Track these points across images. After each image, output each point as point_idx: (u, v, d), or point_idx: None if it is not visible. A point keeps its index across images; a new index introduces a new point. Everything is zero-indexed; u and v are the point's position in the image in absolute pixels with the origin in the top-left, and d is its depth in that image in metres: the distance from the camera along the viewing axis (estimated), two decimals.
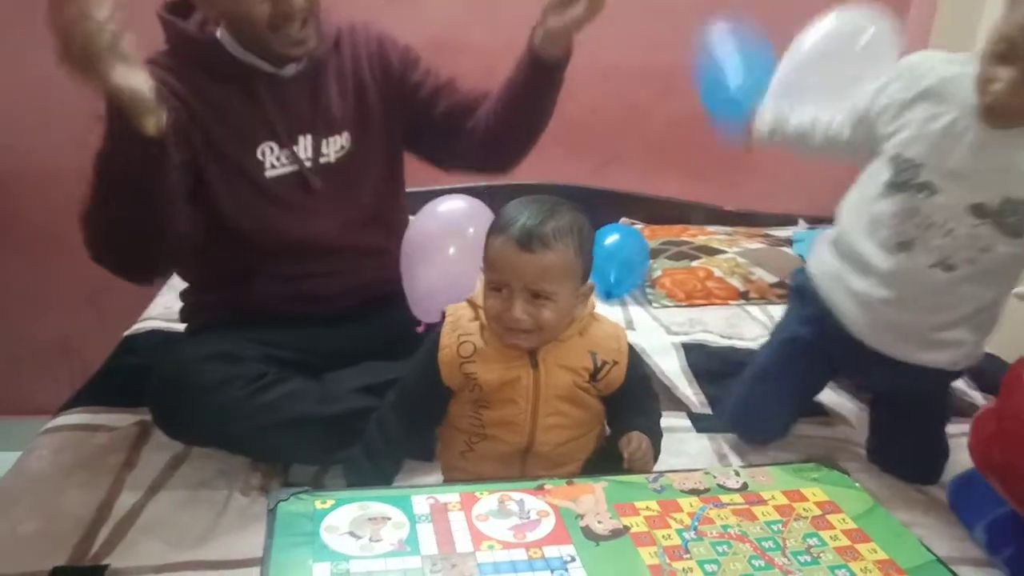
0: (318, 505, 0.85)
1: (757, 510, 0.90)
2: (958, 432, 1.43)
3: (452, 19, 2.15)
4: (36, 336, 2.14)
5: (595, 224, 1.11)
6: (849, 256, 1.24)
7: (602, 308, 1.10)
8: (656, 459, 1.07)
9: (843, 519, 0.89)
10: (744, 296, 1.98)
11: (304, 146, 1.28)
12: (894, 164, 1.16)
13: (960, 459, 1.24)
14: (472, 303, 1.06)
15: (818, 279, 1.30)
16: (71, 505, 1.14)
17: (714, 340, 1.77)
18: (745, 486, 0.94)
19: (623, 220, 2.26)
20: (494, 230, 0.99)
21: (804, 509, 0.91)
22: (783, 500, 0.92)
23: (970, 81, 1.05)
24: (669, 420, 1.42)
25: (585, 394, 1.06)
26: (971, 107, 1.07)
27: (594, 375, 1.04)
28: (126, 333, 1.66)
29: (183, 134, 1.15)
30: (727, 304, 1.97)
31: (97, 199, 1.06)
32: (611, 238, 1.97)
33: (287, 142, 1.26)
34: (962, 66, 1.09)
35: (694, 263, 2.04)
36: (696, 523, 0.87)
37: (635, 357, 1.09)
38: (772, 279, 1.99)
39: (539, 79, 1.32)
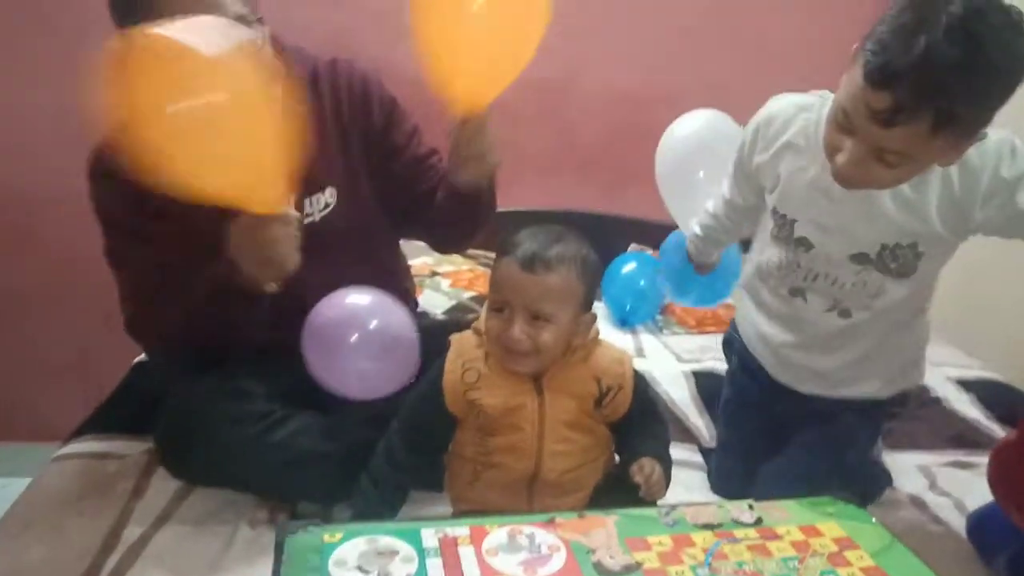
0: (326, 538, 0.84)
1: (772, 545, 0.88)
2: (976, 463, 1.42)
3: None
4: (52, 356, 2.15)
5: (606, 250, 1.13)
6: (755, 300, 1.24)
7: (613, 335, 1.10)
8: (668, 485, 1.05)
9: (860, 555, 0.87)
10: None
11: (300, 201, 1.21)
12: (773, 217, 1.14)
13: (980, 491, 1.22)
14: (476, 330, 1.07)
15: (738, 322, 1.32)
16: (79, 533, 1.14)
17: (725, 368, 1.75)
18: (759, 520, 0.93)
19: (633, 246, 2.25)
20: (501, 252, 1.01)
21: (820, 545, 0.89)
22: (799, 535, 0.90)
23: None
24: (679, 452, 1.40)
25: (591, 420, 1.06)
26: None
27: (599, 401, 1.04)
28: (136, 359, 1.66)
29: (160, 216, 1.14)
30: None
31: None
32: (628, 266, 1.97)
33: None
34: (818, 110, 1.06)
35: None
36: (710, 559, 0.85)
37: (641, 381, 1.09)
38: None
39: (467, 200, 1.28)
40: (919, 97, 0.85)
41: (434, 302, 1.96)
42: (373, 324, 1.15)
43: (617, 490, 1.04)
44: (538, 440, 1.03)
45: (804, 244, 1.11)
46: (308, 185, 1.21)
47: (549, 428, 1.03)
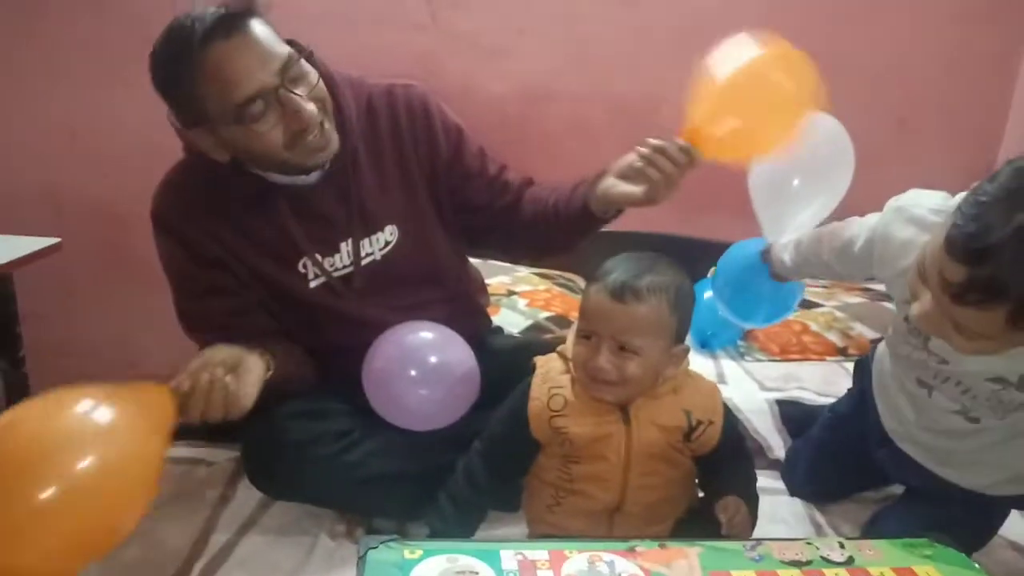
0: (407, 555, 0.84)
1: None
2: None
3: (541, 70, 2.18)
4: (146, 367, 2.25)
5: (687, 274, 1.10)
6: (891, 358, 1.18)
7: (693, 358, 1.08)
8: (754, 525, 1.02)
9: None
10: (842, 352, 1.89)
11: (345, 252, 1.21)
12: (905, 319, 1.04)
13: None
14: (562, 355, 1.06)
15: (874, 368, 1.25)
16: (170, 536, 1.19)
17: (810, 397, 1.69)
18: (851, 560, 0.89)
19: (714, 270, 2.21)
20: (592, 279, 1.00)
21: None
22: None
23: None
24: (762, 481, 1.36)
25: (678, 454, 1.03)
26: None
27: (688, 435, 1.02)
28: None
29: (231, 274, 1.18)
30: (824, 360, 1.88)
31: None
32: (710, 292, 1.93)
33: (326, 252, 1.20)
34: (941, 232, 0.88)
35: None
36: None
37: (730, 416, 1.06)
38: (873, 335, 1.90)
39: (586, 223, 1.25)
40: (998, 282, 0.75)
41: (510, 321, 1.96)
42: (427, 361, 1.15)
43: (700, 525, 1.02)
44: (624, 471, 1.01)
45: (937, 356, 1.03)
46: (365, 227, 1.21)
47: (635, 459, 1.01)
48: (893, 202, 1.04)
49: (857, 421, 1.28)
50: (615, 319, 0.95)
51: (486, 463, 1.08)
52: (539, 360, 1.08)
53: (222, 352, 1.03)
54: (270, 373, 1.08)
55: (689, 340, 1.84)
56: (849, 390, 1.37)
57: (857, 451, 1.27)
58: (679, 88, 2.25)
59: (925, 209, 0.98)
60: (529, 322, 1.98)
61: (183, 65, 1.02)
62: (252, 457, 1.22)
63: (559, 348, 1.08)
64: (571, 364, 1.02)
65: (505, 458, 1.08)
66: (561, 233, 1.28)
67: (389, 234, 1.24)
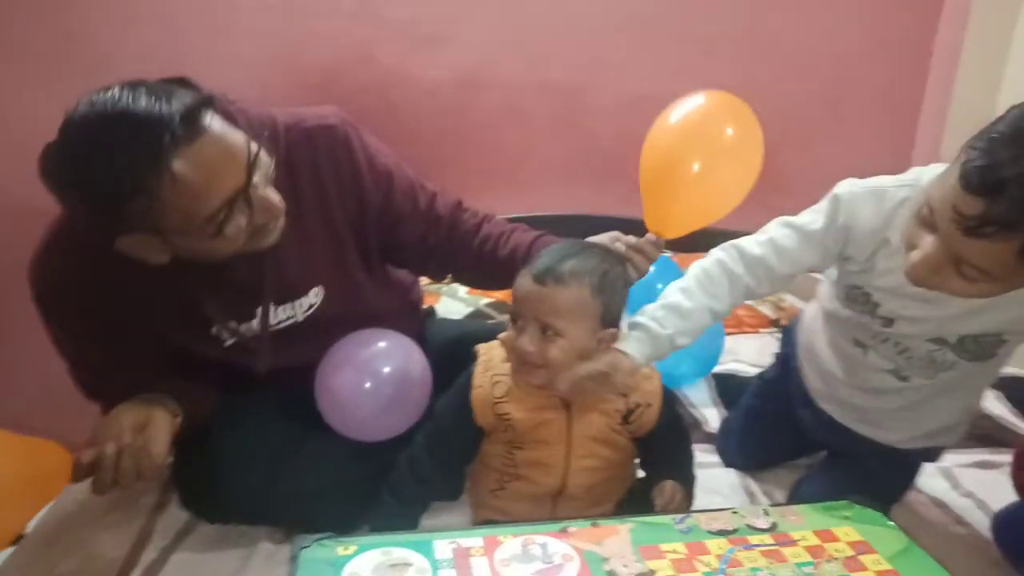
0: (340, 551, 0.85)
1: (787, 551, 0.88)
2: (1001, 462, 1.39)
3: (477, 57, 2.18)
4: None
5: (618, 261, 1.11)
6: (819, 324, 1.21)
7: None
8: (690, 505, 1.05)
9: (877, 560, 0.87)
10: (775, 324, 1.95)
11: (266, 314, 1.13)
12: (849, 287, 1.08)
13: (1005, 491, 1.20)
14: (503, 343, 1.06)
15: (799, 330, 1.29)
16: (104, 547, 1.16)
17: (745, 370, 1.74)
18: (775, 526, 0.92)
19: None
20: (527, 265, 1.01)
21: (836, 550, 0.88)
22: (814, 540, 0.90)
23: None
24: (700, 455, 1.39)
25: (618, 436, 1.05)
26: None
27: (626, 417, 1.04)
28: None
29: (130, 342, 1.08)
30: (758, 332, 1.94)
31: None
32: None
33: (242, 319, 1.12)
34: (914, 203, 0.93)
35: None
36: (724, 566, 0.85)
37: (669, 398, 1.08)
38: (803, 305, 1.95)
39: None
40: (1015, 213, 0.76)
41: (452, 308, 1.96)
42: (384, 376, 1.13)
43: (640, 503, 1.04)
44: (565, 455, 1.03)
45: (883, 320, 1.06)
46: (286, 294, 1.13)
47: (576, 443, 1.03)
48: (841, 188, 1.05)
49: (783, 385, 1.33)
50: (538, 302, 0.96)
51: (431, 454, 1.08)
52: (481, 348, 1.09)
53: (127, 415, 1.00)
54: (178, 419, 1.05)
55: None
56: (776, 355, 1.41)
57: (784, 414, 1.32)
58: (610, 72, 2.29)
59: (885, 183, 1.01)
60: (470, 309, 2.00)
61: (136, 176, 0.86)
62: (183, 485, 1.18)
63: (500, 336, 1.08)
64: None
65: (450, 448, 1.09)
66: (509, 281, 1.11)
67: (314, 296, 1.17)
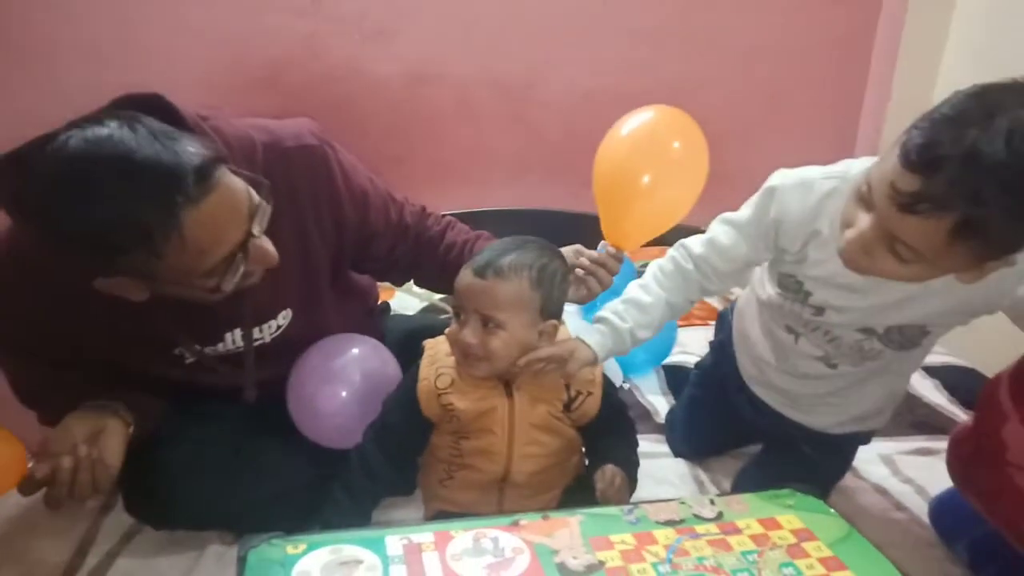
0: (289, 550, 0.84)
1: (732, 540, 0.90)
2: (938, 448, 1.44)
3: (427, 52, 2.17)
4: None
5: (557, 255, 1.13)
6: (752, 310, 1.24)
7: (583, 329, 1.11)
8: (633, 490, 1.07)
9: (818, 547, 0.89)
10: None
11: (230, 340, 1.11)
12: (783, 269, 1.09)
13: (943, 477, 1.24)
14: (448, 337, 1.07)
15: (734, 315, 1.32)
16: (47, 552, 1.14)
17: (694, 361, 1.77)
18: (720, 515, 0.94)
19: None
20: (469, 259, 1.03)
21: (779, 537, 0.90)
22: (758, 529, 0.92)
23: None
24: (650, 445, 1.43)
25: (560, 424, 1.07)
26: None
27: (568, 405, 1.06)
28: None
29: (80, 360, 1.05)
30: (707, 324, 1.97)
31: None
32: None
33: (208, 343, 1.09)
34: (844, 194, 0.94)
35: None
36: (671, 556, 0.86)
37: (610, 387, 1.10)
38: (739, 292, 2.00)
39: None
40: (949, 192, 0.77)
41: (406, 304, 1.96)
42: (358, 383, 1.16)
43: (586, 491, 1.05)
44: (508, 443, 1.05)
45: (814, 309, 1.08)
46: (256, 318, 1.11)
47: (519, 431, 1.04)
48: (774, 179, 1.06)
49: (719, 372, 1.35)
50: (478, 295, 0.99)
51: (381, 448, 1.08)
52: (428, 343, 1.10)
53: (80, 426, 0.97)
54: (131, 428, 1.03)
55: (579, 311, 1.90)
56: (711, 343, 1.44)
57: (722, 402, 1.34)
58: (558, 68, 2.30)
59: (813, 174, 1.03)
60: (424, 303, 1.99)
61: (142, 233, 0.81)
62: (128, 491, 1.14)
63: (447, 331, 1.09)
64: None
65: (399, 442, 1.09)
66: None
67: (282, 319, 1.15)
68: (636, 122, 1.28)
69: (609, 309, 1.11)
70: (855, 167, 0.99)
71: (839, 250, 0.91)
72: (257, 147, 1.05)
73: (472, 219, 1.53)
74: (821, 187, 1.01)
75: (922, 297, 0.98)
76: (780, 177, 1.05)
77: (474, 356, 1.00)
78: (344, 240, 1.17)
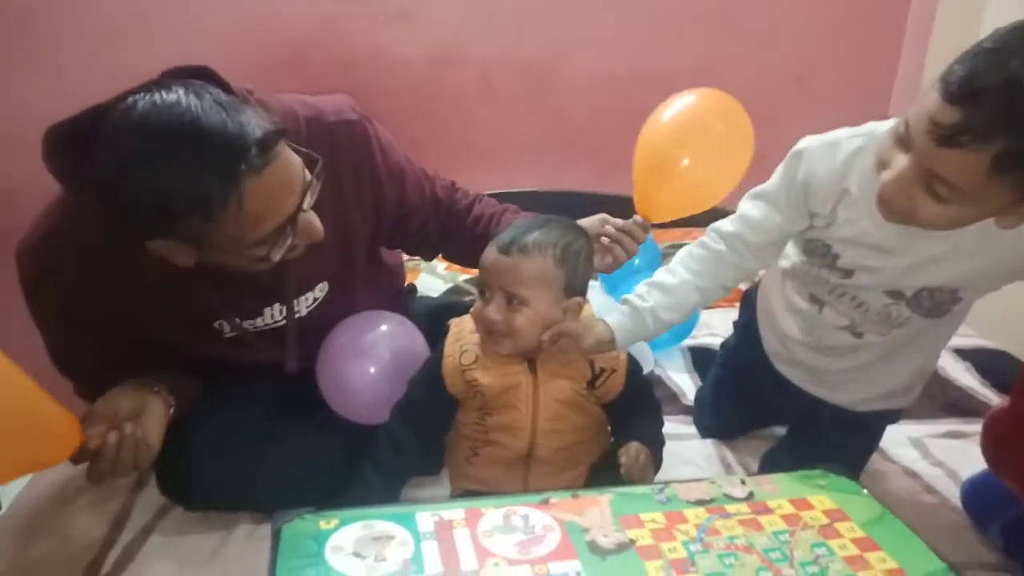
0: (322, 525, 0.85)
1: (763, 520, 0.89)
2: (970, 431, 1.42)
3: (449, 34, 2.16)
4: (42, 357, 2.15)
5: (581, 233, 1.14)
6: (778, 286, 1.22)
7: (609, 308, 1.11)
8: (658, 468, 1.07)
9: (851, 527, 0.88)
10: None
11: (269, 315, 1.13)
12: (809, 235, 1.08)
13: (974, 460, 1.23)
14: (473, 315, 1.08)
15: (759, 293, 1.30)
16: (82, 527, 1.15)
17: (719, 342, 1.75)
18: (751, 495, 0.94)
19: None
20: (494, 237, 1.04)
21: (811, 518, 0.90)
22: (790, 509, 0.91)
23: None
24: (676, 427, 1.42)
25: (584, 400, 1.07)
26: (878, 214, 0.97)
27: (592, 382, 1.06)
28: None
29: (121, 333, 1.05)
30: (733, 306, 1.95)
31: None
32: None
33: (247, 317, 1.11)
34: (871, 152, 0.95)
35: None
36: (702, 535, 0.86)
37: (634, 365, 1.10)
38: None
39: None
40: (990, 122, 0.76)
41: (430, 285, 1.96)
42: (388, 360, 1.17)
43: (613, 468, 1.05)
44: (532, 418, 1.05)
45: (842, 271, 1.07)
46: (298, 288, 1.13)
47: (543, 406, 1.05)
48: (800, 144, 1.06)
49: (745, 352, 1.34)
50: (502, 272, 1.00)
51: (407, 426, 1.10)
52: (453, 322, 1.12)
53: (123, 403, 0.99)
54: (172, 410, 1.05)
55: (603, 291, 1.88)
56: (735, 323, 1.42)
57: (749, 382, 1.33)
58: (581, 50, 2.28)
59: (839, 134, 1.02)
60: (449, 285, 1.99)
61: (202, 197, 0.83)
62: (163, 470, 1.15)
63: (472, 308, 1.10)
64: None
65: (425, 419, 1.11)
66: None
67: (319, 291, 1.17)
68: (686, 101, 1.28)
69: (633, 292, 1.11)
70: (882, 127, 0.98)
71: (877, 193, 0.90)
72: (300, 121, 1.06)
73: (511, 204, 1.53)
74: (848, 146, 1.00)
75: (953, 257, 0.97)
76: (806, 141, 1.05)
77: (498, 333, 1.01)
78: (383, 216, 1.19)
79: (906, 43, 2.28)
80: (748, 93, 2.25)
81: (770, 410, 1.36)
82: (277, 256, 0.94)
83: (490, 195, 1.92)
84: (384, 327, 1.21)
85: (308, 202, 0.94)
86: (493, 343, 1.03)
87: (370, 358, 1.17)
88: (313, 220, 0.96)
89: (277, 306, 1.12)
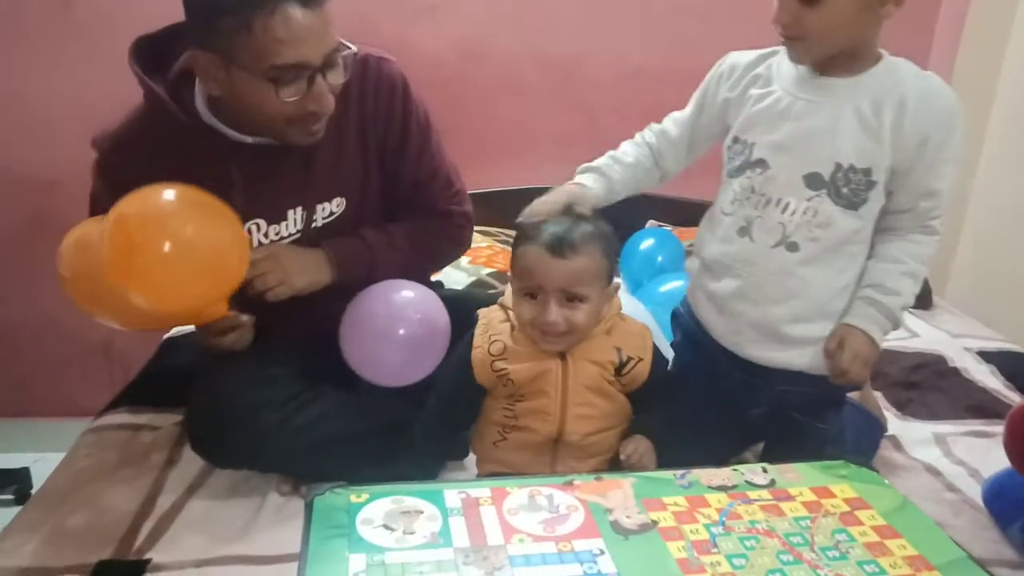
0: (353, 499, 0.87)
1: (785, 506, 0.90)
2: (993, 432, 1.42)
3: (476, 28, 2.18)
4: (81, 338, 2.20)
5: (624, 226, 1.16)
6: (704, 263, 1.21)
7: (628, 303, 1.12)
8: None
9: (872, 515, 0.89)
10: None
11: (292, 220, 1.22)
12: (732, 151, 1.15)
13: (997, 459, 1.23)
14: (503, 306, 1.11)
15: (688, 293, 1.27)
16: (116, 501, 1.19)
17: None
18: (773, 482, 0.95)
19: (651, 223, 2.26)
20: (523, 241, 1.04)
21: (833, 505, 0.91)
22: (811, 496, 0.92)
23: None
24: None
25: (611, 387, 1.09)
26: (792, 80, 1.09)
27: (619, 369, 1.08)
28: (167, 335, 1.70)
29: None
30: None
31: None
32: (646, 243, 1.98)
33: (272, 220, 1.21)
34: (781, 55, 1.13)
35: None
36: (724, 518, 0.87)
37: (659, 357, 1.12)
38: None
39: None
40: None
41: (454, 279, 1.98)
42: (414, 318, 1.19)
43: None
44: (562, 404, 1.07)
45: (761, 165, 1.10)
46: (318, 195, 1.23)
47: (572, 392, 1.07)
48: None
49: (697, 362, 1.24)
50: (561, 274, 1.00)
51: (438, 415, 1.13)
52: (482, 312, 1.13)
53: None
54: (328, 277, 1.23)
55: (628, 288, 1.90)
56: (674, 346, 1.31)
57: (714, 391, 1.23)
58: (608, 45, 2.28)
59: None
60: (472, 278, 2.01)
61: (253, 4, 1.00)
62: (197, 425, 1.20)
63: (500, 300, 1.13)
64: (512, 315, 1.08)
65: (455, 407, 1.13)
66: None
67: (336, 205, 1.25)
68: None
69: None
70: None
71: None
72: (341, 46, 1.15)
73: (520, 196, 1.52)
74: (763, 51, 1.16)
75: (842, 129, 1.05)
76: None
77: (556, 333, 1.02)
78: (385, 149, 1.27)
79: (936, 41, 2.27)
80: None
81: (746, 421, 1.26)
82: (286, 94, 1.05)
83: (514, 190, 1.92)
84: (412, 293, 1.23)
85: (331, 75, 1.08)
86: (551, 343, 1.04)
87: (398, 319, 1.18)
88: (327, 92, 1.08)
89: (300, 210, 1.21)
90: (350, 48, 1.11)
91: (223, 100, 1.10)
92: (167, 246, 0.99)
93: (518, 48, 2.22)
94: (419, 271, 1.34)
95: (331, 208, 1.24)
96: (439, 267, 1.36)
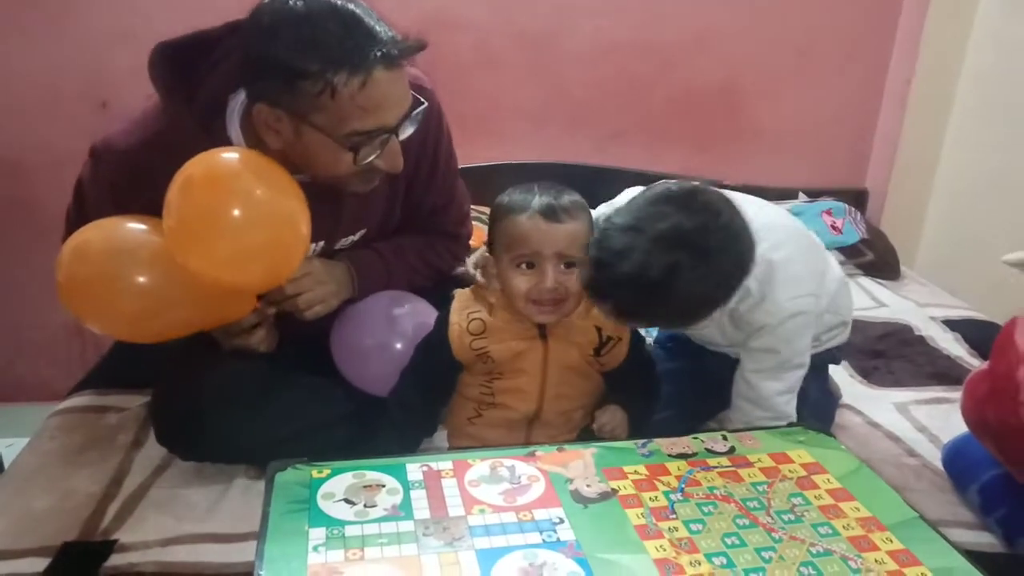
0: (314, 474, 0.87)
1: (743, 472, 0.92)
2: (954, 398, 1.45)
3: None
4: (53, 323, 2.17)
5: (599, 202, 1.16)
6: None
7: None
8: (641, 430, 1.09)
9: (828, 479, 0.91)
10: None
11: (314, 249, 1.19)
12: None
13: (956, 425, 1.25)
14: (479, 286, 1.10)
15: None
16: (82, 483, 1.18)
17: None
18: (732, 449, 0.96)
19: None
20: (512, 211, 1.02)
21: (789, 470, 0.92)
22: (769, 462, 0.94)
23: None
24: None
25: (589, 367, 1.09)
26: None
27: (599, 349, 1.08)
28: None
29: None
30: None
31: None
32: None
33: None
34: None
35: None
36: (683, 485, 0.89)
37: (637, 338, 1.12)
38: None
39: None
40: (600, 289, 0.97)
41: None
42: (410, 336, 1.19)
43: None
44: (541, 383, 1.07)
45: None
46: (344, 231, 1.21)
47: (552, 372, 1.07)
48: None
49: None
50: (560, 238, 0.99)
51: (416, 389, 1.13)
52: (457, 292, 1.13)
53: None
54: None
55: None
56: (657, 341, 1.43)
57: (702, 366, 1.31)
58: (582, 18, 2.26)
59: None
60: None
61: (334, 63, 0.94)
62: (161, 422, 1.19)
63: (517, 287, 1.07)
64: (488, 295, 1.07)
65: (432, 381, 1.13)
66: None
67: (359, 236, 1.24)
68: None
69: None
70: None
71: None
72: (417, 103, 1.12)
73: (493, 173, 1.52)
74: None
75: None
76: None
77: (554, 301, 1.01)
78: (432, 184, 1.27)
79: (903, 14, 2.28)
80: (750, 65, 2.26)
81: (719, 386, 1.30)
82: (361, 158, 1.01)
83: (487, 166, 1.90)
84: (411, 306, 1.23)
85: (405, 131, 1.05)
86: (546, 314, 1.03)
87: (398, 334, 1.19)
88: (399, 151, 1.06)
89: (323, 244, 1.20)
90: (423, 103, 1.06)
91: (283, 151, 1.03)
92: (245, 208, 0.96)
93: (489, 21, 2.19)
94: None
95: (353, 238, 1.24)
96: (436, 281, 1.34)
